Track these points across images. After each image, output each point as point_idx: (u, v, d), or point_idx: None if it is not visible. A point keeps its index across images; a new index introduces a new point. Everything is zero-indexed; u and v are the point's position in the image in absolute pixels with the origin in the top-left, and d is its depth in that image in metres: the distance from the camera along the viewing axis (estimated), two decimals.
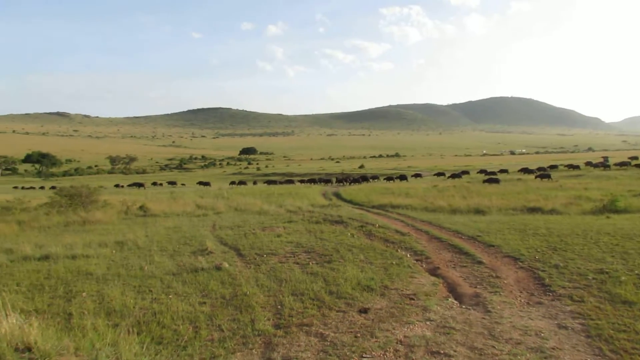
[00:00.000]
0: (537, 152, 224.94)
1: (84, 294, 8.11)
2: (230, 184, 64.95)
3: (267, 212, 20.97)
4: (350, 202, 27.41)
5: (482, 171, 59.67)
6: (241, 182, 63.18)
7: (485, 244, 12.01)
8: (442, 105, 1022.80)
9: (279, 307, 7.27)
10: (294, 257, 10.99)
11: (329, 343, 5.84)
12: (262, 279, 8.94)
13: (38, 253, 11.61)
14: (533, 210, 19.37)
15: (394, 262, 10.14)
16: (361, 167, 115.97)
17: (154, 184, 71.85)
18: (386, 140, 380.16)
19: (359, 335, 6.08)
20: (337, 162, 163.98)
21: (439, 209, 20.73)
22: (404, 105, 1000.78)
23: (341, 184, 53.63)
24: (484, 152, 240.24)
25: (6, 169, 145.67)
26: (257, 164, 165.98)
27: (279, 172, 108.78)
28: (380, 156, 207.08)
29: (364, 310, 7.04)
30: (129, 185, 68.93)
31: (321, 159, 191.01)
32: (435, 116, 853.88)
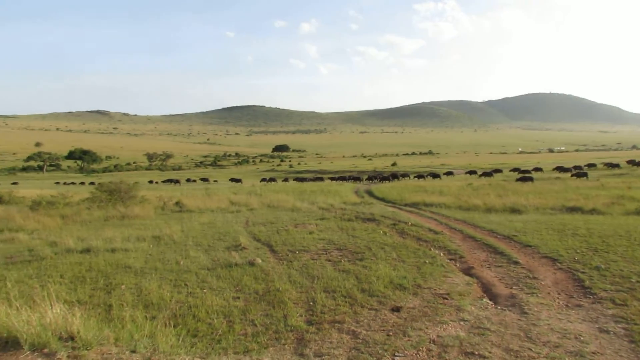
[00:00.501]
0: (576, 150, 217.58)
1: (123, 286, 8.36)
2: (261, 180, 65.72)
3: (299, 209, 21.08)
4: (382, 199, 27.24)
5: (515, 169, 58.24)
6: (271, 179, 63.90)
7: (521, 243, 11.70)
8: (477, 102, 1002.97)
9: (311, 303, 7.30)
10: (326, 254, 11.01)
11: (361, 341, 5.82)
12: (295, 275, 8.99)
13: (80, 246, 12.04)
14: (572, 209, 18.74)
15: (427, 261, 10.02)
16: (394, 164, 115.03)
17: (188, 180, 73.37)
18: (419, 138, 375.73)
19: (391, 333, 6.04)
20: (370, 159, 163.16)
21: (473, 207, 20.34)
22: (437, 102, 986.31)
23: (371, 181, 53.44)
24: (520, 149, 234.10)
25: (50, 165, 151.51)
26: (290, 161, 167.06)
27: (311, 169, 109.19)
28: (413, 154, 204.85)
29: (396, 309, 6.99)
30: (164, 182, 70.62)
31: (353, 156, 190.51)
32: (470, 113, 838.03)
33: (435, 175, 54.27)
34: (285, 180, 65.05)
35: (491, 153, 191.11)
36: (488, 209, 19.70)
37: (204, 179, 78.52)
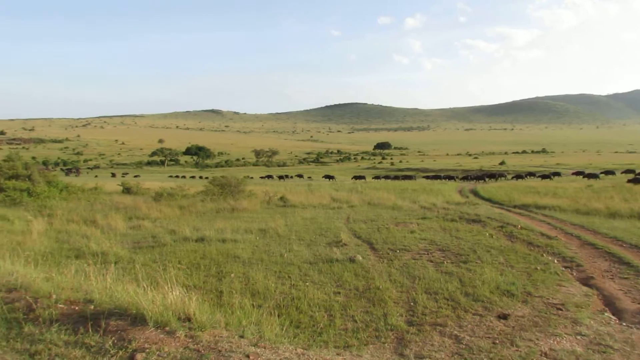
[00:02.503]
0: None
1: (233, 274, 8.91)
2: (352, 178, 66.11)
3: (400, 207, 20.83)
4: (488, 200, 25.90)
5: (628, 171, 52.32)
6: (360, 177, 64.04)
7: None
8: (600, 96, 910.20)
9: (412, 304, 7.19)
10: (428, 254, 10.76)
11: (464, 346, 5.61)
12: (395, 274, 8.91)
13: (195, 235, 13.05)
14: None
15: (538, 268, 9.35)
16: (502, 163, 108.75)
17: (283, 177, 75.55)
18: (531, 135, 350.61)
19: (497, 341, 5.73)
20: (475, 157, 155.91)
21: (593, 211, 18.51)
22: (553, 96, 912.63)
23: (476, 181, 51.24)
24: None
25: (170, 160, 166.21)
26: (391, 158, 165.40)
27: (413, 167, 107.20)
28: (524, 152, 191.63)
29: (503, 316, 6.62)
30: (261, 177, 73.66)
31: (458, 154, 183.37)
32: (591, 108, 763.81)
33: (545, 177, 50.42)
34: (387, 177, 64.62)
35: (616, 152, 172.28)
36: (611, 213, 17.80)
37: (299, 175, 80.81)
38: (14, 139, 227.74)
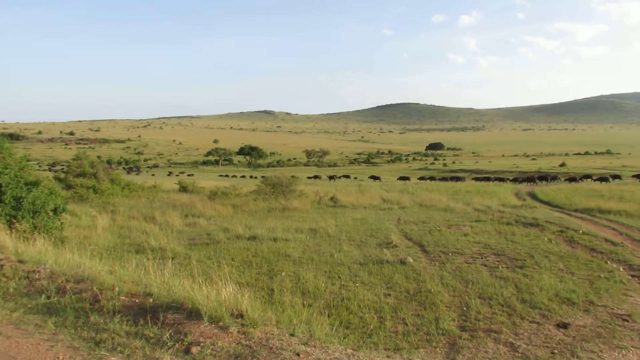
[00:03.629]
0: None
1: (283, 273, 9.04)
2: (398, 179, 65.33)
3: (453, 209, 20.35)
4: (547, 203, 24.79)
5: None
6: (404, 178, 63.09)
7: None
8: None
9: (465, 308, 7.01)
10: (482, 258, 10.45)
11: (520, 355, 5.40)
12: (447, 277, 8.72)
13: (247, 233, 13.34)
14: None
15: (601, 275, 8.85)
16: (562, 165, 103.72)
17: (333, 177, 75.45)
18: (595, 135, 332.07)
19: (556, 351, 5.48)
20: (533, 159, 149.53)
21: None
22: (619, 94, 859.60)
23: (514, 182, 49.48)
24: None
25: (224, 160, 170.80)
26: (444, 159, 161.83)
27: (467, 168, 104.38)
28: (587, 153, 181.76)
29: (563, 325, 6.32)
30: (308, 178, 73.97)
31: (514, 155, 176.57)
32: None
33: (604, 179, 47.72)
34: (432, 179, 63.51)
35: None
36: None
37: (346, 176, 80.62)
38: (81, 139, 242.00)
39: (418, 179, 65.17)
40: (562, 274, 8.99)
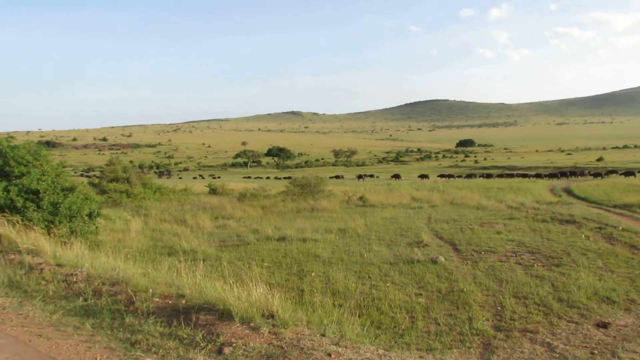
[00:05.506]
0: None
1: (313, 273, 9.07)
2: (418, 176, 64.69)
3: (485, 207, 19.99)
4: (584, 199, 24.06)
5: None
6: (423, 176, 62.41)
7: None
8: None
9: (499, 308, 6.88)
10: (516, 256, 10.23)
11: (557, 355, 5.27)
12: (480, 276, 8.58)
13: (277, 234, 13.44)
14: None
15: None
16: (599, 159, 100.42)
17: (362, 177, 75.05)
18: (634, 128, 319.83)
19: (596, 352, 5.32)
20: (569, 154, 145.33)
21: None
22: None
23: (537, 178, 48.31)
24: None
25: (253, 162, 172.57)
26: (475, 156, 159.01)
27: (499, 165, 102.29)
28: (626, 147, 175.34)
29: (602, 325, 6.13)
30: (331, 178, 73.90)
31: (549, 150, 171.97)
32: None
33: (628, 173, 45.88)
34: (450, 176, 62.61)
35: None
36: None
37: (370, 175, 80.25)
38: (114, 145, 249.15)
39: (438, 176, 64.32)
40: (601, 272, 8.72)
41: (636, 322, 6.22)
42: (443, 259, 9.85)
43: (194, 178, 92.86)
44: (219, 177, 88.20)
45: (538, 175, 52.89)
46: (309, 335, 4.65)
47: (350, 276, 8.78)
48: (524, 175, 55.27)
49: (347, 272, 9.07)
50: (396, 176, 66.66)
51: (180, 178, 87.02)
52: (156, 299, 5.56)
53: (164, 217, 17.72)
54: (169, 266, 7.36)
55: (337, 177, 76.77)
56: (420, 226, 14.87)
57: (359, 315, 6.20)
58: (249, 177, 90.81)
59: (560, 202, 21.98)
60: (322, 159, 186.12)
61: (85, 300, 5.67)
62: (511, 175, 56.44)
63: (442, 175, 65.21)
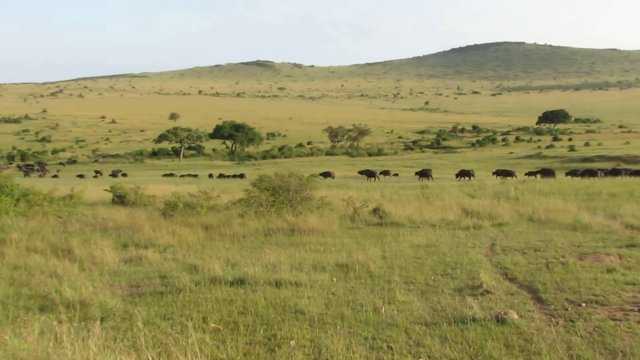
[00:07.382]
0: None
1: (292, 342, 9.01)
2: (493, 173, 65.20)
3: (587, 225, 20.12)
4: None
5: None
6: (464, 174, 63.27)
7: None
8: None
9: None
10: None
11: None
12: (579, 345, 8.61)
13: (230, 274, 13.37)
14: None
15: None
16: None
17: (369, 174, 75.15)
18: None
19: None
20: None
21: None
22: None
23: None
24: None
25: (189, 148, 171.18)
26: (570, 139, 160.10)
27: (610, 154, 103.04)
28: None
29: None
30: (321, 175, 74.09)
31: None
32: None
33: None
34: (531, 174, 63.33)
35: None
36: None
37: (385, 172, 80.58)
38: None
39: (525, 174, 64.62)
40: None
41: None
42: (516, 316, 9.88)
43: (79, 176, 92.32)
44: (128, 175, 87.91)
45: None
46: None
47: (357, 346, 8.74)
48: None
49: (351, 340, 9.03)
50: (423, 174, 66.87)
51: (55, 177, 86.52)
52: None
53: (34, 244, 17.57)
54: (42, 330, 7.28)
55: (327, 173, 76.67)
56: (477, 259, 14.94)
57: None
58: (182, 176, 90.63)
59: None
60: (308, 143, 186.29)
61: None
62: (631, 173, 56.92)
63: (530, 173, 65.16)
